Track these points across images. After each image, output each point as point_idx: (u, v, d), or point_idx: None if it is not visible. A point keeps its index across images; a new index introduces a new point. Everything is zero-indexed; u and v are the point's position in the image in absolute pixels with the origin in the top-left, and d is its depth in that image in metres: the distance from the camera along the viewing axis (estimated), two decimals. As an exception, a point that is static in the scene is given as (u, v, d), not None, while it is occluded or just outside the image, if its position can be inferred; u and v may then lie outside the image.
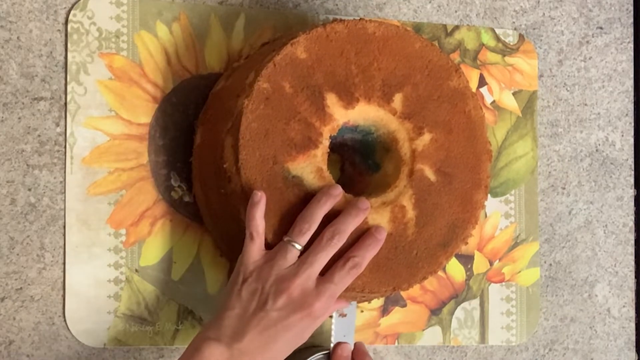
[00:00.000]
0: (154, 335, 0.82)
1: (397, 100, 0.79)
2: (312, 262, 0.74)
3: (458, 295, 0.92)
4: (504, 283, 0.94)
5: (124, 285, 0.82)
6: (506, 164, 0.95)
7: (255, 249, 0.75)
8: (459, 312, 0.92)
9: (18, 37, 0.81)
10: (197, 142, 0.83)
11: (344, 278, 0.75)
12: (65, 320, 0.80)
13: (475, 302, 0.93)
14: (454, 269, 0.92)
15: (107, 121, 0.82)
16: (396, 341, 0.90)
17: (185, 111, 0.85)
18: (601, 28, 1.01)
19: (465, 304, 0.92)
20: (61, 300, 0.81)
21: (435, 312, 0.91)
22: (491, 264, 0.94)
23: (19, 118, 0.81)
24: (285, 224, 0.75)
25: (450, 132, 0.80)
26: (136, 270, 0.82)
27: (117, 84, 0.83)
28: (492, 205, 0.94)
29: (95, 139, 0.82)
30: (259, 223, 0.74)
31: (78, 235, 0.81)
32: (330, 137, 0.79)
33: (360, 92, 0.78)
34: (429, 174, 0.79)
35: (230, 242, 0.82)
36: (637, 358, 1.02)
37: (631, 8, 1.02)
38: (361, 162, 0.85)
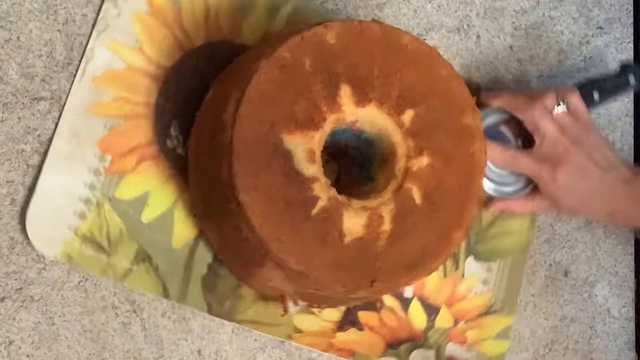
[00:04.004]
0: (107, 266, 0.81)
1: (408, 115, 0.79)
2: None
3: (415, 340, 0.91)
4: (464, 346, 0.93)
5: (93, 208, 0.81)
6: (499, 233, 0.94)
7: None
8: (415, 354, 0.90)
9: (18, 37, 0.81)
10: (208, 96, 0.83)
11: None
12: (24, 221, 0.79)
13: (432, 353, 0.91)
14: (417, 315, 0.91)
15: (130, 51, 0.82)
16: (352, 357, 0.88)
17: (206, 69, 0.84)
18: (601, 28, 1.01)
19: (422, 350, 0.91)
20: (61, 300, 0.81)
21: (392, 346, 0.90)
22: (456, 323, 0.92)
23: (19, 118, 0.81)
24: (260, 190, 0.74)
25: (449, 164, 0.79)
26: (109, 199, 0.81)
27: (151, 20, 0.82)
28: (473, 267, 0.93)
29: (112, 62, 0.82)
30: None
31: (65, 146, 0.80)
32: (333, 129, 0.78)
33: (375, 95, 0.78)
34: (416, 195, 0.78)
35: (206, 203, 0.82)
36: (637, 358, 1.02)
37: (631, 8, 1.02)
38: (357, 174, 0.85)
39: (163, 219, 0.83)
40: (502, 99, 0.91)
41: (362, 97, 0.78)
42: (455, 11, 0.95)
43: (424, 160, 0.79)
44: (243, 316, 0.85)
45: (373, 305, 0.89)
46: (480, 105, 0.89)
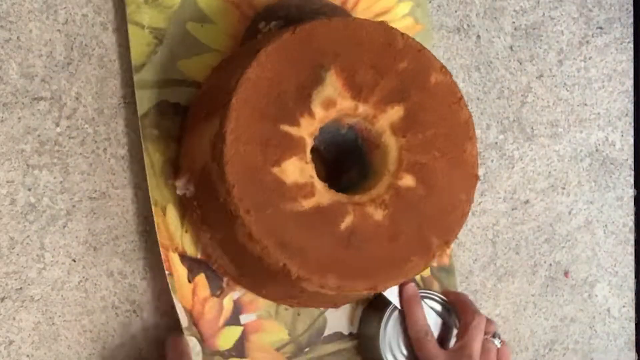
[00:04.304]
0: (135, 3, 0.83)
1: (408, 180, 0.80)
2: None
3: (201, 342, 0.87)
4: None
5: None
6: None
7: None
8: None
9: (18, 37, 0.81)
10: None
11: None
12: None
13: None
14: (227, 335, 0.86)
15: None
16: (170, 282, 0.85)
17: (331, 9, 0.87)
18: (601, 28, 1.01)
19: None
20: (61, 300, 0.81)
21: (192, 327, 0.86)
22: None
23: (19, 118, 0.81)
24: (274, 67, 0.75)
25: (394, 239, 0.79)
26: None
27: None
28: None
29: None
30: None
31: None
32: (358, 131, 0.79)
33: (410, 132, 0.80)
34: (345, 222, 0.78)
35: (226, 62, 0.84)
36: (637, 358, 1.02)
37: (631, 8, 1.02)
38: (335, 178, 0.85)
39: (195, 44, 0.85)
40: (457, 297, 0.89)
41: (403, 129, 0.79)
42: (455, 11, 0.95)
43: (379, 214, 0.78)
44: (147, 157, 0.84)
45: (217, 290, 0.86)
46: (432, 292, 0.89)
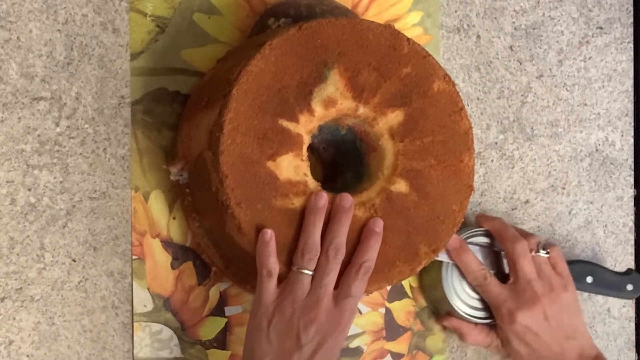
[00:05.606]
0: None
1: (403, 185, 0.80)
2: (326, 284, 0.75)
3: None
4: None
5: None
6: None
7: (271, 287, 0.75)
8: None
9: (18, 37, 0.81)
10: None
11: (360, 287, 0.76)
12: None
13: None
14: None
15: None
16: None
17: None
18: (601, 28, 1.01)
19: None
20: (61, 300, 0.81)
21: (164, 302, 0.86)
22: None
23: (19, 118, 0.81)
24: (279, 58, 0.76)
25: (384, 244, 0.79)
26: None
27: None
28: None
29: None
30: (272, 261, 0.75)
31: None
32: (356, 131, 0.80)
33: (409, 137, 0.80)
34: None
35: (233, 52, 0.85)
36: (637, 358, 1.02)
37: (631, 8, 1.02)
38: (332, 179, 0.85)
39: (201, 35, 0.86)
40: (493, 224, 0.90)
41: (401, 133, 0.79)
42: (455, 11, 0.95)
43: (367, 218, 0.78)
44: (134, 143, 0.84)
45: (203, 279, 0.86)
46: (470, 225, 0.89)
